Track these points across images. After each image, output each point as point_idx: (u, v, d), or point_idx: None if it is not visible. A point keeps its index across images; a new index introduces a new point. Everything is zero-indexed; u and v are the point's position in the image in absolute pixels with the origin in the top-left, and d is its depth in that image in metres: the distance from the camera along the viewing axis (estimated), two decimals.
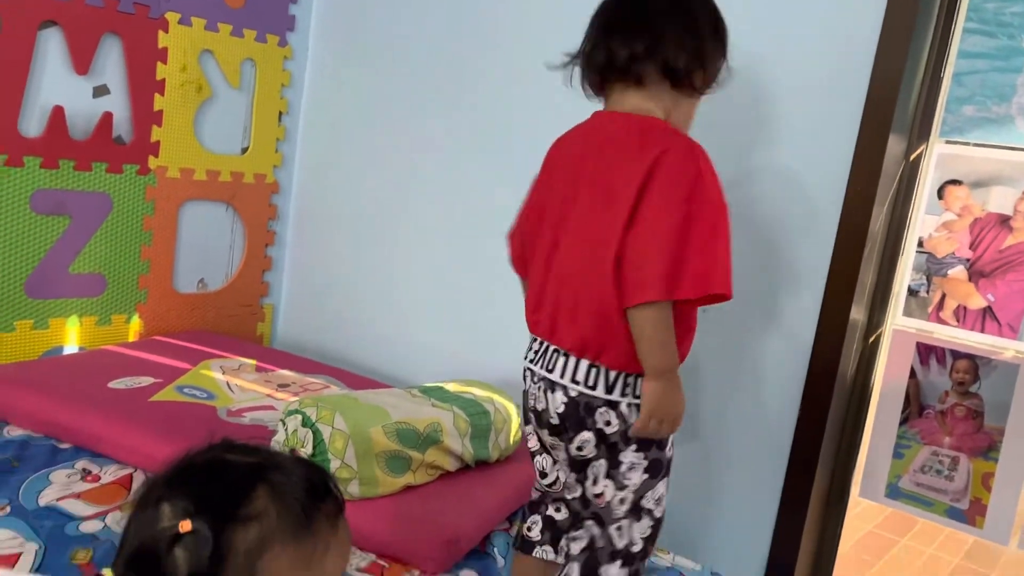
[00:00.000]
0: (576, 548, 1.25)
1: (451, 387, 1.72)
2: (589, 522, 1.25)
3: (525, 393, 1.30)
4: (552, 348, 1.23)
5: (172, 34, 2.06)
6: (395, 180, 2.23)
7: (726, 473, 1.75)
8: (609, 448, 1.20)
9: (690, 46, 1.19)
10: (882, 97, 1.52)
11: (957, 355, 1.57)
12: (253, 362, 2.04)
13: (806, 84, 1.62)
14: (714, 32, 1.23)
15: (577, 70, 1.26)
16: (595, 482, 1.22)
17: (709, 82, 1.23)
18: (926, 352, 1.60)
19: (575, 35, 1.27)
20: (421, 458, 1.50)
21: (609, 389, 1.18)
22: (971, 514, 1.57)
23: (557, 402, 1.22)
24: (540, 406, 1.25)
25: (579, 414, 1.20)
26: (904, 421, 1.63)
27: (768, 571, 1.69)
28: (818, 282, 1.62)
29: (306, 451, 1.43)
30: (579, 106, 1.29)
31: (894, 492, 1.65)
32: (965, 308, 1.57)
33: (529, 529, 1.36)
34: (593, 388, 1.18)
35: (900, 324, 1.63)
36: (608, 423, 1.19)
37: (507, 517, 1.55)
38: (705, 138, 1.20)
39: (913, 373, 1.62)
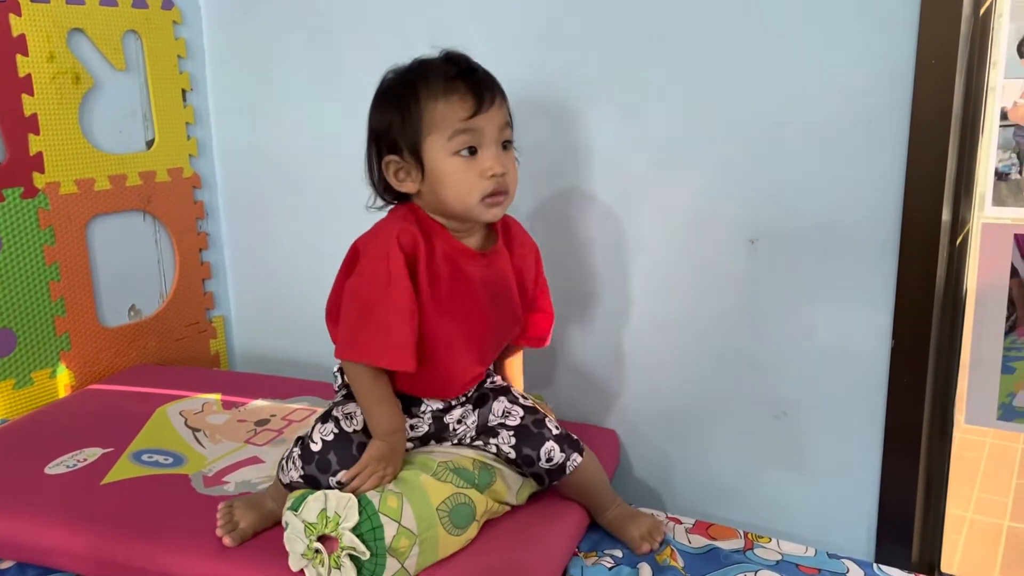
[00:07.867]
0: None
1: None
2: None
3: None
4: None
5: (27, 16, 1.63)
6: (334, 139, 1.84)
7: (814, 426, 1.48)
8: None
9: None
10: None
11: None
12: (218, 397, 1.69)
13: None
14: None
15: None
16: None
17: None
18: None
19: None
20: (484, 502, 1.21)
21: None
22: None
23: None
24: None
25: None
26: (1011, 330, 1.38)
27: (881, 530, 1.44)
28: (892, 177, 1.33)
29: (348, 546, 1.05)
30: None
31: (1008, 412, 1.40)
32: None
33: None
34: None
35: (991, 216, 1.35)
36: None
37: (576, 546, 1.27)
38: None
39: (1015, 272, 1.35)
